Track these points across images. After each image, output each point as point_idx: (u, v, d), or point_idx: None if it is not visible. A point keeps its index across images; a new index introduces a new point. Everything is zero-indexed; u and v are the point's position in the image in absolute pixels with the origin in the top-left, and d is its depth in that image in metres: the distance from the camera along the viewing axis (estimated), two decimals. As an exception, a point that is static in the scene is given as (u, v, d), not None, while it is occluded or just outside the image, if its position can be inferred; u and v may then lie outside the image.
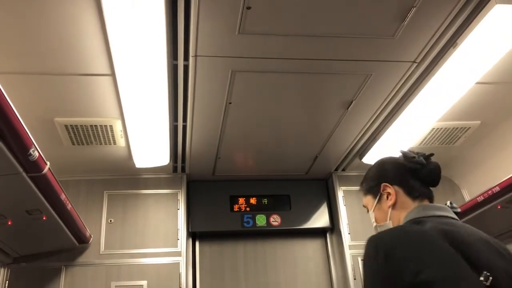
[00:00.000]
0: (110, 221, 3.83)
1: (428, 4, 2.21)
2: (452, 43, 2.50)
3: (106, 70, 2.62)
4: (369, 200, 1.63)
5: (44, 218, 2.84)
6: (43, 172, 2.35)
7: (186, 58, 2.54)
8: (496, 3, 2.17)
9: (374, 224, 1.61)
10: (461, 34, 2.42)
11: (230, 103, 2.99)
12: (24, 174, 2.27)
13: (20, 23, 2.26)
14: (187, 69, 2.63)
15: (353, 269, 3.88)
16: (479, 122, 3.47)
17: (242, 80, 2.77)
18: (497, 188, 3.01)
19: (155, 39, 2.28)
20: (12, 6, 2.15)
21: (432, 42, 2.50)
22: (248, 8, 2.17)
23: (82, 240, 3.58)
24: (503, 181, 2.95)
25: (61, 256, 3.65)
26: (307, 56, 2.57)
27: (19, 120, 1.98)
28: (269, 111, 3.16)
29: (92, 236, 3.71)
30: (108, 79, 2.70)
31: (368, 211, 1.65)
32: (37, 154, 2.21)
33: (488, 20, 2.27)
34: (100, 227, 3.80)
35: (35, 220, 2.85)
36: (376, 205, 1.58)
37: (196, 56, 2.49)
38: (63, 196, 2.75)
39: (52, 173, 2.49)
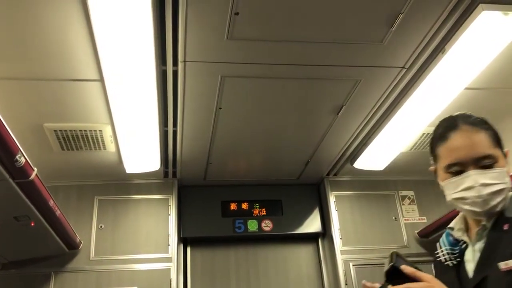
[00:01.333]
0: (101, 226, 3.81)
1: (416, 10, 2.22)
2: (440, 48, 2.51)
3: (95, 76, 2.61)
4: (498, 153, 1.31)
5: (32, 224, 2.82)
6: (30, 178, 2.34)
7: (175, 63, 2.53)
8: (483, 10, 2.18)
9: (500, 186, 1.27)
10: (449, 40, 2.43)
11: (220, 108, 2.99)
12: (10, 180, 2.26)
13: (9, 29, 2.25)
14: (176, 74, 2.62)
15: (345, 274, 3.87)
16: (469, 127, 3.48)
17: (232, 86, 2.77)
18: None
19: (143, 44, 2.28)
20: (0, 12, 2.14)
21: (421, 48, 2.51)
22: (236, 14, 2.17)
23: (72, 246, 3.56)
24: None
25: (50, 262, 3.62)
26: (296, 61, 2.57)
27: (5, 126, 1.96)
28: (260, 116, 3.16)
29: (82, 242, 3.68)
30: (97, 85, 2.69)
31: (486, 161, 1.28)
32: (23, 160, 2.19)
33: (475, 26, 2.28)
34: (90, 233, 3.77)
35: (23, 226, 2.83)
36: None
37: (185, 61, 2.49)
38: (51, 202, 2.74)
39: (39, 179, 2.47)
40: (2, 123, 1.93)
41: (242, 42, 2.38)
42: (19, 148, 2.12)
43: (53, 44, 2.37)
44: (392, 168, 4.02)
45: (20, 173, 2.25)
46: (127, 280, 3.65)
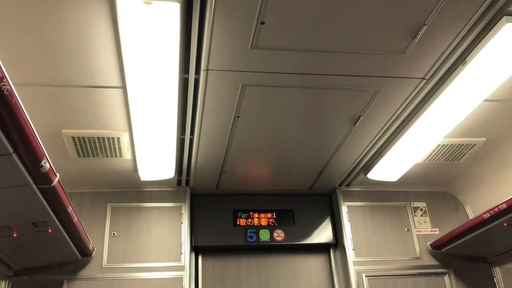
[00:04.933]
0: (113, 234, 3.80)
1: (440, 22, 2.23)
2: (461, 60, 2.53)
3: (117, 83, 2.62)
4: None
5: (49, 230, 2.81)
6: (53, 184, 2.33)
7: (197, 71, 2.55)
8: (507, 22, 2.20)
9: None
10: (470, 52, 2.45)
11: (239, 116, 3.00)
12: (34, 186, 2.25)
13: (32, 35, 2.26)
14: (198, 82, 2.64)
15: (357, 286, 3.85)
16: (484, 139, 3.49)
17: (252, 94, 2.77)
18: (504, 205, 3.02)
19: (168, 52, 2.29)
20: (25, 18, 2.16)
21: (442, 59, 2.52)
22: (262, 23, 2.18)
23: (85, 253, 3.55)
24: (510, 199, 2.96)
25: (63, 269, 3.61)
26: (318, 71, 2.58)
27: (33, 131, 1.96)
28: (277, 125, 3.17)
29: (95, 249, 3.67)
30: (118, 92, 2.70)
31: None
32: (48, 165, 2.19)
33: (498, 39, 2.30)
34: (103, 240, 3.76)
35: (40, 233, 2.82)
36: None
37: (207, 70, 2.50)
38: (70, 209, 2.73)
39: (61, 185, 2.47)
40: (31, 128, 1.93)
41: (265, 51, 2.39)
42: (45, 153, 2.12)
43: (77, 51, 2.38)
44: (404, 179, 4.03)
45: (43, 178, 2.25)
46: (139, 289, 3.63)
